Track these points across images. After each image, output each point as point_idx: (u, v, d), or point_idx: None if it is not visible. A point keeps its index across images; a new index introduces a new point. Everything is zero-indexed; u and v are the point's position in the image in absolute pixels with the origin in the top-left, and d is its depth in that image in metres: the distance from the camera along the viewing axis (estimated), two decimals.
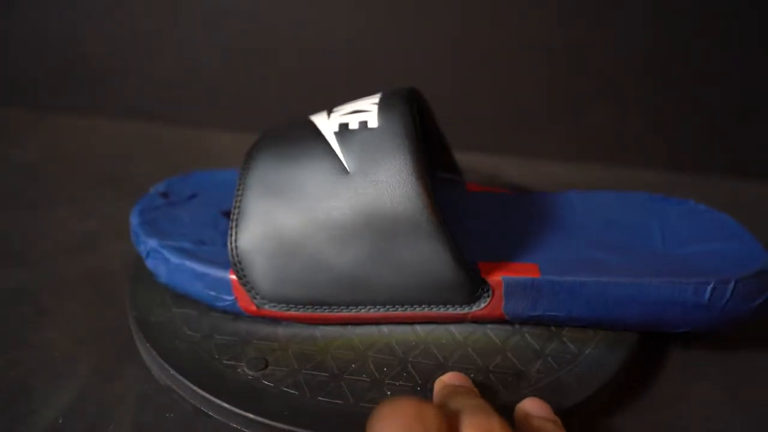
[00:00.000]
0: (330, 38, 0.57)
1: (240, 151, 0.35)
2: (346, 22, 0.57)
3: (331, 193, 0.30)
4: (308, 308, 0.32)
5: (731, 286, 0.30)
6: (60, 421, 0.29)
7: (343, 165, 0.31)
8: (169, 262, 0.33)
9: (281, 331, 0.33)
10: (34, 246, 0.41)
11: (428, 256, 0.30)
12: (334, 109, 0.34)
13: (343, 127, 0.32)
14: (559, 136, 0.57)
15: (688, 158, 0.56)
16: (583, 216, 0.37)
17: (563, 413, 0.28)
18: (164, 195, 0.39)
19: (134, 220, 0.36)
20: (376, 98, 0.33)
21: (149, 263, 0.35)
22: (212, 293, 0.33)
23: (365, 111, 0.32)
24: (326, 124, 0.33)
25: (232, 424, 0.28)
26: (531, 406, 0.27)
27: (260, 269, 0.31)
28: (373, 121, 0.31)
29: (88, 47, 0.60)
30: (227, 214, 0.36)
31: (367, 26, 0.57)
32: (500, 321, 0.33)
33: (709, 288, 0.30)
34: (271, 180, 0.32)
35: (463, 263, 0.30)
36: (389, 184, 0.30)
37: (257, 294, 0.32)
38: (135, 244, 0.36)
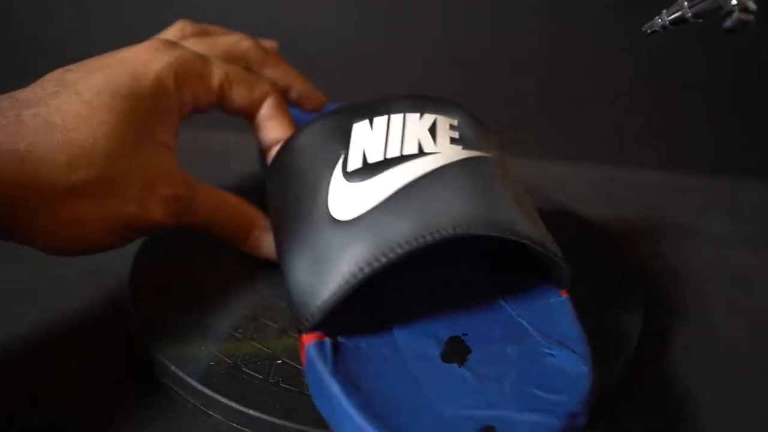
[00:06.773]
0: (331, 38, 0.58)
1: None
2: (346, 22, 0.57)
3: None
4: None
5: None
6: (61, 421, 0.29)
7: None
8: None
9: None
10: None
11: None
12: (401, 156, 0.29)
13: (454, 140, 0.30)
14: (559, 136, 0.57)
15: (688, 158, 0.56)
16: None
17: None
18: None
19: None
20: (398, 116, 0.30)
21: None
22: None
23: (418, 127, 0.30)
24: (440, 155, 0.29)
25: (233, 423, 0.28)
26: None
27: None
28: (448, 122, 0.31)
29: (88, 47, 0.60)
30: None
31: (368, 26, 0.57)
32: None
33: None
34: None
35: None
36: None
37: None
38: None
